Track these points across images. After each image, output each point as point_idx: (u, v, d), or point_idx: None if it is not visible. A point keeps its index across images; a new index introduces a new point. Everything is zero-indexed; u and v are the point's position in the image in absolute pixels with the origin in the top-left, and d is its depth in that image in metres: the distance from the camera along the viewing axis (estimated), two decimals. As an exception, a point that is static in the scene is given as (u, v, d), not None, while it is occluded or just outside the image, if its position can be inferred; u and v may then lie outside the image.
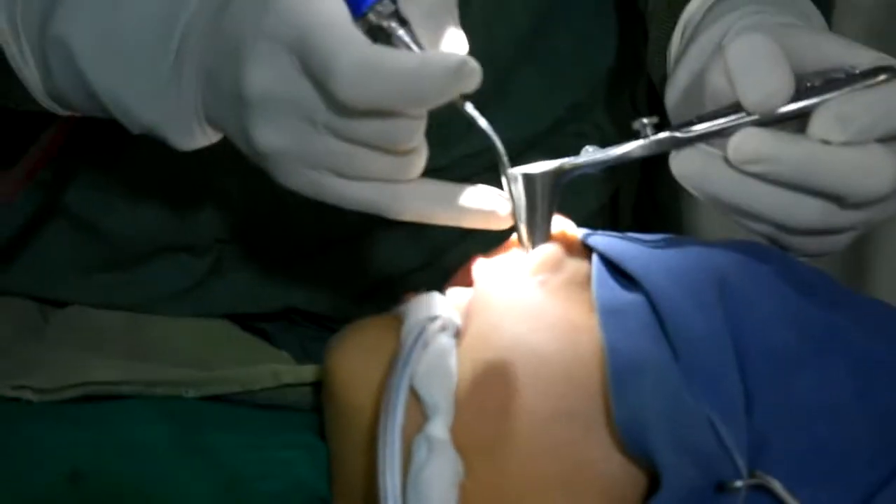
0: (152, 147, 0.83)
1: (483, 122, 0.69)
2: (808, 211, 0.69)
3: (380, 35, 0.64)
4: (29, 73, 0.70)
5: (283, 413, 0.81)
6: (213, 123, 0.69)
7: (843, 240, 0.73)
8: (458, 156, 0.90)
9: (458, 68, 0.61)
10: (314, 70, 0.61)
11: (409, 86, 0.61)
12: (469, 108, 0.68)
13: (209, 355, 0.88)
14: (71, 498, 0.71)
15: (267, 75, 0.63)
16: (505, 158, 0.71)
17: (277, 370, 0.81)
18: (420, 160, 0.68)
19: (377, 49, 0.62)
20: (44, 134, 0.78)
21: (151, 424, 0.77)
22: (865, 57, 0.69)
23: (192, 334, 0.92)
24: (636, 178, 1.14)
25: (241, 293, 0.94)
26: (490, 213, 0.71)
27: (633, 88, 1.06)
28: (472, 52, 0.64)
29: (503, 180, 0.71)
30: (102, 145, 0.87)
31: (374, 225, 0.93)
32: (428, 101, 0.62)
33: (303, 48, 0.62)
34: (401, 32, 0.64)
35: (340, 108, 0.63)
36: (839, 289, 0.72)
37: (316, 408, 0.80)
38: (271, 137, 0.65)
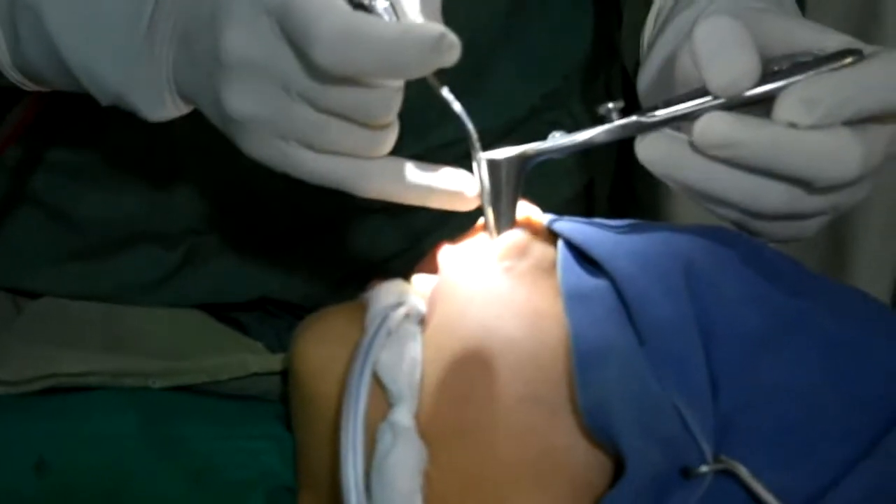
0: (123, 133, 0.83)
1: (457, 106, 0.69)
2: (774, 196, 0.68)
3: (360, 8, 0.64)
4: None
5: (252, 403, 0.81)
6: (184, 94, 0.68)
7: (812, 225, 0.72)
8: (433, 145, 0.90)
9: (439, 40, 0.60)
10: (293, 34, 0.61)
11: (388, 55, 0.60)
12: (445, 91, 0.68)
13: (183, 346, 0.88)
14: (37, 489, 0.71)
15: (245, 38, 0.63)
16: (476, 142, 0.70)
17: (245, 360, 0.81)
18: (391, 137, 0.67)
19: (358, 16, 0.61)
20: (9, 114, 0.77)
21: (118, 415, 0.77)
22: (834, 40, 0.68)
23: (167, 325, 0.91)
24: (612, 167, 1.14)
25: (214, 284, 0.94)
26: (457, 194, 0.70)
27: (608, 76, 1.05)
28: (453, 31, 0.63)
29: (474, 164, 0.71)
30: (72, 130, 0.87)
31: (349, 213, 0.93)
32: (407, 71, 0.61)
33: (283, 12, 0.61)
34: (383, 5, 0.64)
35: (317, 76, 0.62)
36: (807, 273, 0.72)
37: (285, 397, 0.79)
38: (244, 102, 0.64)
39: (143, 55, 0.66)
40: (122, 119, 0.76)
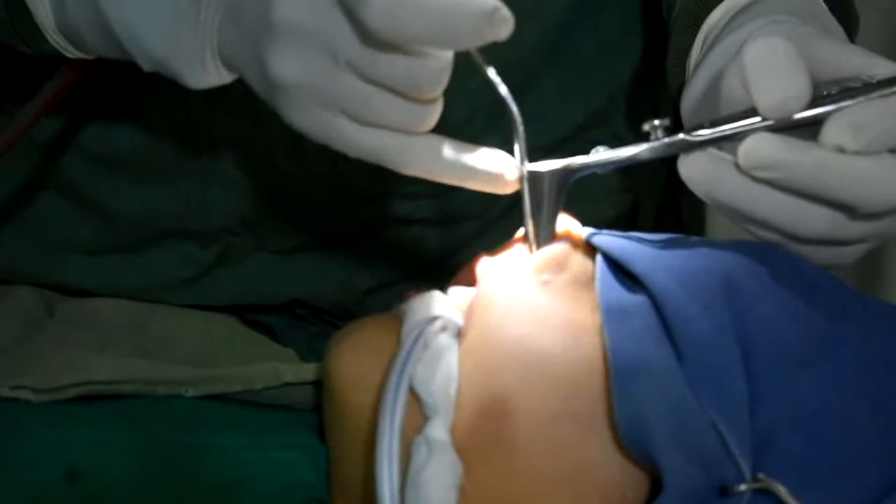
0: (162, 128, 0.83)
1: (503, 89, 0.69)
2: (816, 220, 0.67)
3: None
4: (40, 4, 0.69)
5: (284, 413, 0.81)
6: (228, 60, 0.68)
7: (853, 252, 0.71)
8: None
9: (493, 12, 0.60)
10: None
11: (442, 21, 0.59)
12: (491, 72, 0.68)
13: (214, 352, 0.88)
14: (68, 497, 0.71)
15: (297, 2, 0.62)
16: (520, 127, 0.70)
17: (278, 369, 0.81)
18: (436, 114, 0.67)
19: None
20: (48, 83, 0.77)
21: (151, 424, 0.77)
22: (884, 67, 0.67)
23: (198, 330, 0.91)
24: (658, 189, 1.13)
25: (246, 285, 0.94)
26: (497, 176, 0.70)
27: (656, 99, 1.05)
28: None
29: (515, 148, 0.71)
30: (112, 122, 0.87)
31: (387, 222, 0.93)
32: (459, 40, 0.61)
33: None
34: None
35: (367, 44, 0.62)
36: (847, 290, 0.71)
37: (317, 407, 0.79)
38: (291, 67, 0.64)
39: (189, 19, 0.66)
40: (162, 112, 0.76)
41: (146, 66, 0.68)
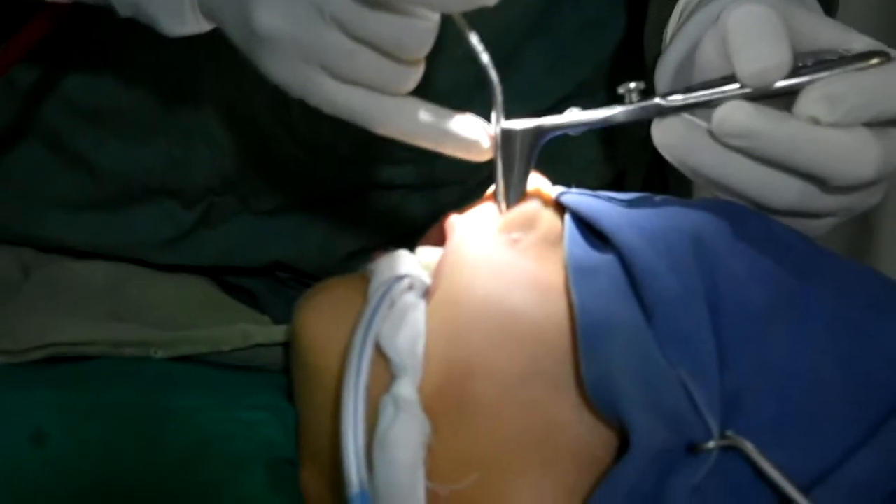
0: (147, 83, 0.84)
1: (485, 58, 0.69)
2: (787, 190, 0.68)
3: None
4: None
5: (253, 374, 0.80)
6: (208, 10, 0.67)
7: (821, 225, 0.72)
8: None
9: None
10: None
11: None
12: (473, 39, 0.68)
13: (186, 316, 0.87)
14: (33, 460, 0.70)
15: None
16: (500, 96, 0.70)
17: (247, 330, 0.80)
18: (417, 76, 0.67)
19: None
20: (19, 32, 0.76)
21: (117, 386, 0.76)
22: (860, 42, 0.68)
23: (171, 294, 0.91)
24: (644, 161, 1.13)
25: (228, 245, 0.94)
26: (472, 143, 0.70)
27: (641, 72, 1.04)
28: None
29: (493, 117, 0.71)
30: (96, 74, 0.87)
31: (370, 186, 0.92)
32: (449, 1, 0.61)
33: None
34: None
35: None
36: (817, 249, 0.71)
37: (287, 369, 0.79)
38: (275, 19, 0.63)
39: None
40: (148, 69, 0.75)
41: (121, 11, 0.68)
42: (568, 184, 0.75)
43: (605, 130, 0.88)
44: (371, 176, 0.92)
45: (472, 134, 0.70)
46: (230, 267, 0.97)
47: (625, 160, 1.06)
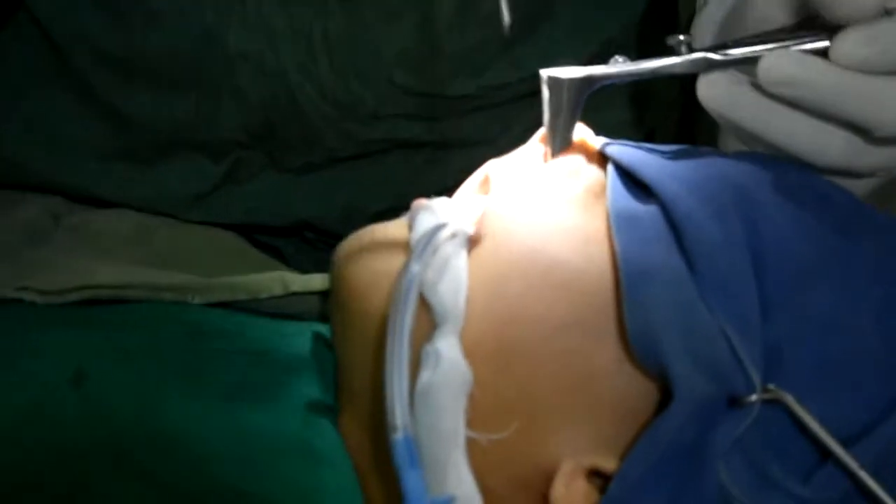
0: (177, 33, 0.85)
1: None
2: (833, 144, 0.67)
3: None
4: None
5: (290, 322, 0.80)
6: None
7: (863, 186, 0.71)
8: (486, 85, 0.88)
9: None
10: None
11: None
12: None
13: (218, 265, 0.87)
14: (73, 400, 0.70)
15: None
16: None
17: (285, 278, 0.80)
18: None
19: None
20: None
21: (157, 328, 0.76)
22: None
23: (204, 245, 0.91)
24: (674, 122, 1.12)
25: (256, 202, 0.94)
26: None
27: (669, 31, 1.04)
28: None
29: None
30: (126, 24, 0.87)
31: (399, 143, 0.92)
32: None
33: None
34: None
35: None
36: (859, 204, 0.71)
37: (323, 317, 0.79)
38: None
39: None
40: (179, 20, 0.74)
41: None
42: None
43: (635, 90, 0.88)
44: (398, 133, 0.92)
45: None
46: (258, 226, 0.96)
47: (653, 122, 1.05)
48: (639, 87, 0.80)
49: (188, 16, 0.87)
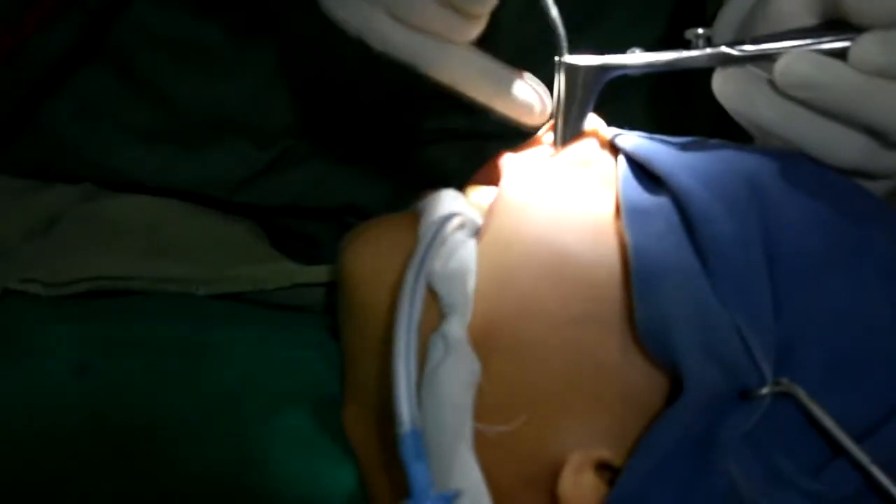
0: (232, 15, 0.84)
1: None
2: (849, 145, 0.67)
3: None
4: None
5: (296, 314, 0.79)
6: None
7: (878, 188, 0.71)
8: None
9: None
10: None
11: None
12: None
13: (227, 256, 0.87)
14: (77, 392, 0.70)
15: None
16: (564, 43, 0.70)
17: (290, 269, 0.80)
18: (478, 28, 0.67)
19: None
20: None
21: (161, 320, 0.75)
22: None
23: (212, 234, 0.90)
24: (708, 124, 1.12)
25: (303, 187, 0.94)
26: (525, 106, 0.70)
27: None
28: None
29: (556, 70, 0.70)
30: (180, 6, 0.87)
31: (448, 133, 0.92)
32: None
33: None
34: None
35: None
36: (872, 198, 0.70)
37: (329, 308, 0.78)
38: None
39: None
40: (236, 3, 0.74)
41: None
42: None
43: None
44: (449, 122, 0.92)
45: (527, 97, 0.69)
46: (298, 210, 0.96)
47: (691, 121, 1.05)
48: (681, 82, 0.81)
49: (246, 1, 0.86)
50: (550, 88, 0.71)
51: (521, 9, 0.79)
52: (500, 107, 0.70)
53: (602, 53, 0.72)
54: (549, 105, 0.71)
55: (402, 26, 0.66)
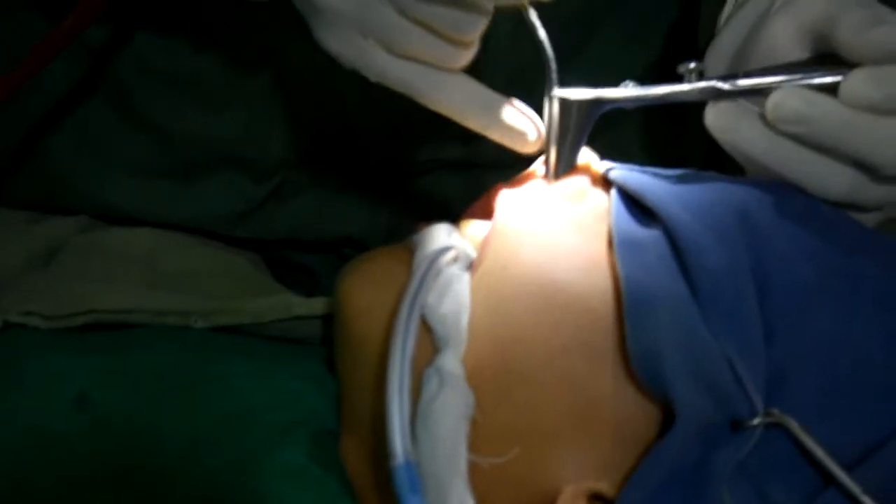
0: (230, 48, 0.85)
1: (542, 33, 0.70)
2: (839, 179, 0.67)
3: None
4: None
5: (294, 346, 0.80)
6: None
7: (868, 220, 0.71)
8: None
9: None
10: None
11: None
12: (532, 14, 0.69)
13: (225, 288, 0.87)
14: (76, 424, 0.70)
15: None
16: (554, 76, 0.70)
17: (289, 301, 0.80)
18: (470, 55, 0.68)
19: None
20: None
21: (160, 352, 0.76)
22: None
23: (210, 267, 0.91)
24: (701, 151, 1.13)
25: (299, 219, 0.95)
26: (519, 134, 0.71)
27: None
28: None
29: (545, 101, 0.71)
30: (177, 39, 0.87)
31: (446, 164, 0.93)
32: None
33: None
34: None
35: None
36: (863, 228, 0.71)
37: (327, 340, 0.79)
38: None
39: None
40: (231, 36, 0.74)
41: None
42: None
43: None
44: (444, 153, 0.92)
45: (521, 125, 0.70)
46: (296, 243, 0.97)
47: (684, 148, 1.05)
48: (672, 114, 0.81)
49: (242, 31, 0.87)
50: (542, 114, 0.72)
51: (511, 32, 0.79)
52: (494, 134, 0.70)
53: (594, 75, 0.72)
54: (543, 131, 0.71)
55: (395, 57, 0.67)
